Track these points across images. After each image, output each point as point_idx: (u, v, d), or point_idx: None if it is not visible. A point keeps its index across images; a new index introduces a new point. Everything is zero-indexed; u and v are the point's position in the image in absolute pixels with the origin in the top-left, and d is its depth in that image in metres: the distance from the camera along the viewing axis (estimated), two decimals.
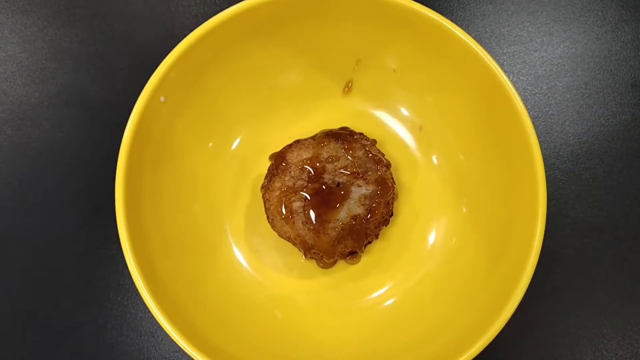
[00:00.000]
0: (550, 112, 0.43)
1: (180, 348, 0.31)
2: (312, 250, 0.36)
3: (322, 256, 0.37)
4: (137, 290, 0.31)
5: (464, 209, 0.37)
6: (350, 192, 0.35)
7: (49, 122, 0.42)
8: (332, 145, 0.36)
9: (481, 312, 0.33)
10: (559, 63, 0.44)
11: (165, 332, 0.31)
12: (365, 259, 0.39)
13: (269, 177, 0.37)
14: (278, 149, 0.38)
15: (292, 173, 0.36)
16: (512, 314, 0.31)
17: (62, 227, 0.40)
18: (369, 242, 0.37)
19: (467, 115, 0.37)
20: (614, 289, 0.40)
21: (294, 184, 0.36)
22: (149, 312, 0.38)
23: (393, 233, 0.39)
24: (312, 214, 0.35)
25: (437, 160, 0.39)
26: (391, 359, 0.33)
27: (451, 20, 0.33)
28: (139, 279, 0.31)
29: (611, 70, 0.43)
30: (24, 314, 0.39)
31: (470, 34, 0.33)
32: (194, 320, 0.33)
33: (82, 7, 0.44)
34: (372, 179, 0.36)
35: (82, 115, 0.42)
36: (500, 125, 0.34)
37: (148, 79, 0.33)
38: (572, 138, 0.42)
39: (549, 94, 0.43)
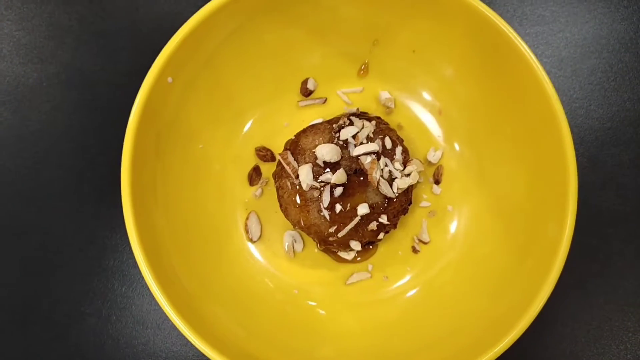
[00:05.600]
0: (574, 96, 0.41)
1: (188, 341, 0.30)
2: (327, 241, 0.34)
3: (337, 249, 0.36)
4: (142, 280, 0.30)
5: (487, 198, 0.36)
6: (369, 179, 0.34)
7: (49, 104, 0.40)
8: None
9: (506, 307, 0.31)
10: (583, 44, 0.42)
11: (172, 324, 0.30)
12: (382, 249, 0.37)
13: (282, 164, 0.35)
14: (291, 133, 0.36)
15: (307, 159, 0.34)
16: (539, 310, 0.30)
17: (63, 215, 0.39)
18: (387, 232, 0.35)
19: (490, 98, 0.35)
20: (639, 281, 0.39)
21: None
22: (155, 303, 0.37)
23: (412, 222, 0.37)
24: (328, 203, 0.33)
25: (458, 145, 0.37)
26: (411, 355, 0.32)
27: None
28: (146, 268, 0.30)
29: (638, 52, 0.41)
30: (25, 306, 0.38)
31: None
32: (202, 313, 0.32)
33: None
34: None
35: (84, 96, 0.40)
36: (526, 110, 0.33)
37: (152, 58, 0.31)
38: (597, 123, 0.41)
39: (573, 77, 0.41)
